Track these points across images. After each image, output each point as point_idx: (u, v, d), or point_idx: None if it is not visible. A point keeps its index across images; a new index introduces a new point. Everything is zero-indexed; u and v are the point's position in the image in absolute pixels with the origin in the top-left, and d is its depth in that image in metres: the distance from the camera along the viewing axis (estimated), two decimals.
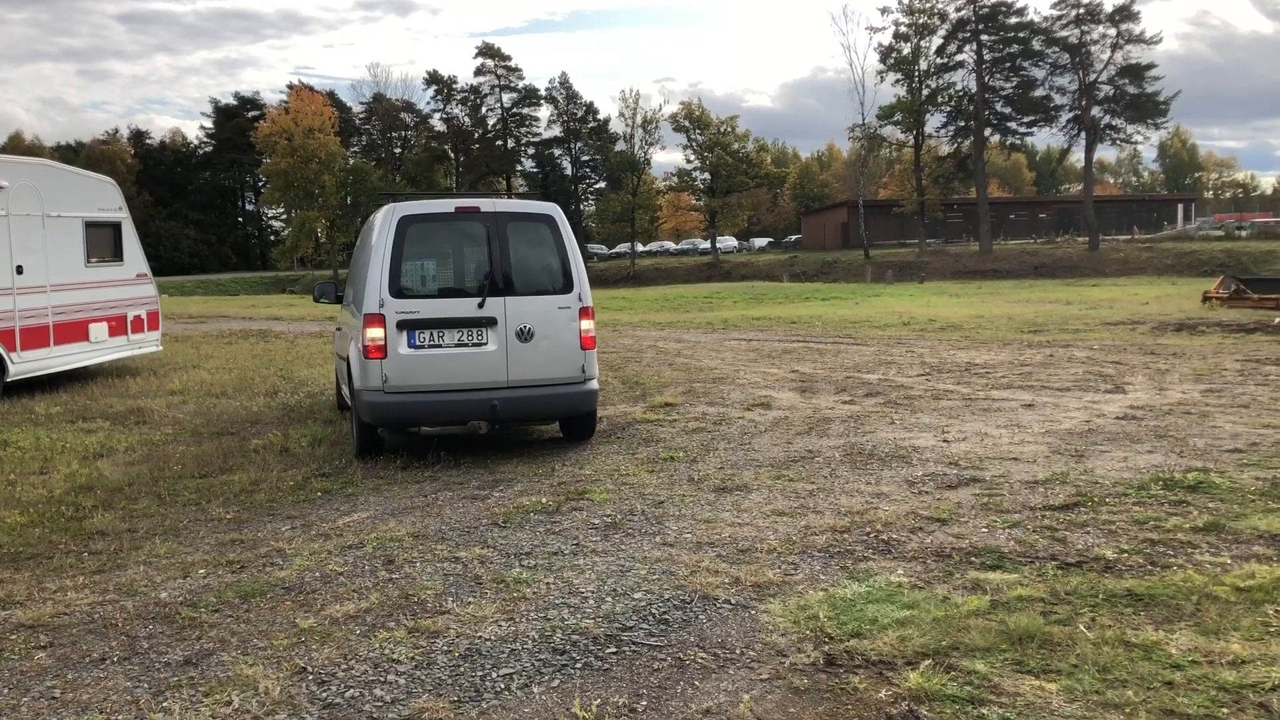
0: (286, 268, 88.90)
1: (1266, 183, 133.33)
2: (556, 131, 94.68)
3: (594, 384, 9.46)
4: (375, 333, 8.75)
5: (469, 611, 5.40)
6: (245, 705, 4.38)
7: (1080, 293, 36.80)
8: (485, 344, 8.98)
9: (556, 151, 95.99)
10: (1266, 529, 6.29)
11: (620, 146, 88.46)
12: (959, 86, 70.05)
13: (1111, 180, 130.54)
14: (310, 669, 4.74)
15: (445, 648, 4.96)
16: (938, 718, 4.05)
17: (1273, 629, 4.80)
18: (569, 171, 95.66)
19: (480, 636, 5.07)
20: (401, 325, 8.79)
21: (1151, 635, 4.76)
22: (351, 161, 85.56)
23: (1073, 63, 65.03)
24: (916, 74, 70.41)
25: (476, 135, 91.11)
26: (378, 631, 5.18)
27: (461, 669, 4.71)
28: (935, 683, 4.31)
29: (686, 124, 78.41)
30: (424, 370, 8.84)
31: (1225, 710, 4.03)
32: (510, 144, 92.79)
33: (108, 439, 10.70)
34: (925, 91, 70.57)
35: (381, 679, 4.63)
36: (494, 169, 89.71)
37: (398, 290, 8.85)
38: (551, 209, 9.63)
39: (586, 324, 9.32)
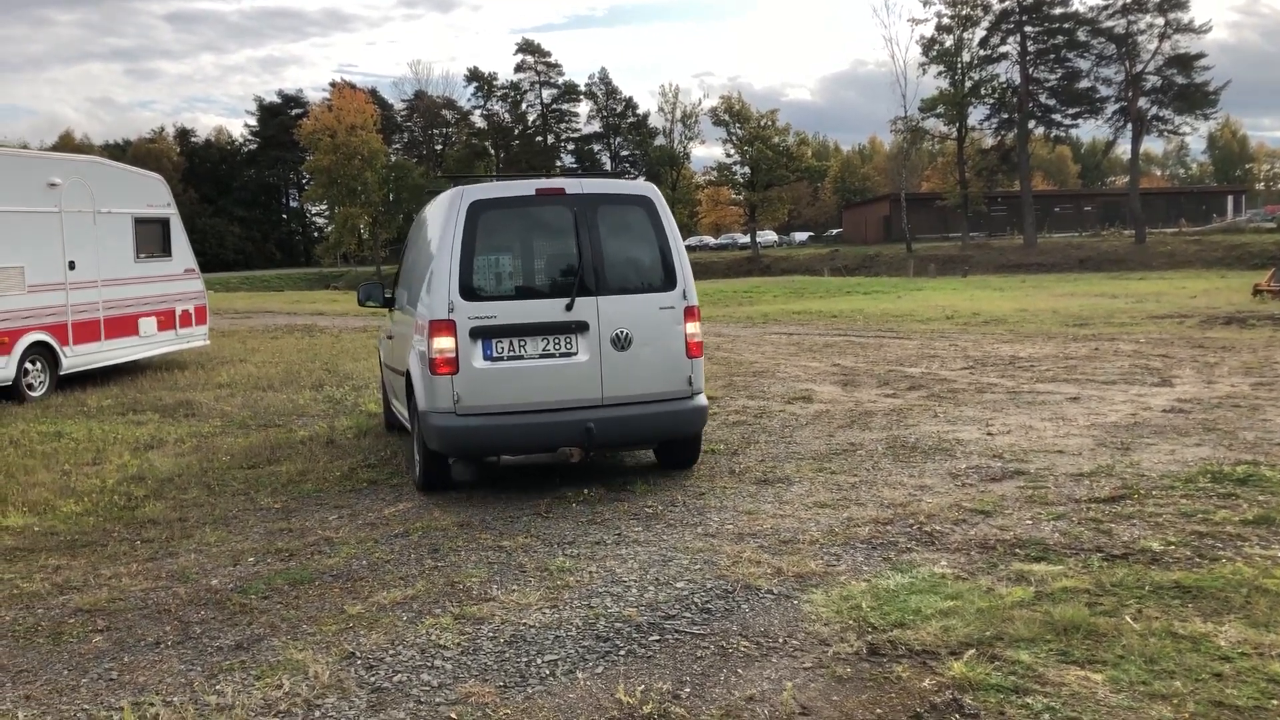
0: (330, 264, 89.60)
1: None
2: (596, 127, 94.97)
3: (703, 399, 7.88)
4: (444, 343, 7.26)
5: (514, 599, 5.46)
6: (295, 689, 4.46)
7: (1126, 286, 36.35)
8: (575, 353, 7.46)
9: (596, 147, 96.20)
10: None
11: (659, 141, 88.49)
12: (1003, 78, 69.25)
13: (1158, 172, 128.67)
14: (359, 654, 4.82)
15: (490, 634, 5.02)
16: (982, 707, 4.05)
17: None
18: (609, 166, 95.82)
19: (525, 623, 5.13)
20: (476, 333, 7.29)
21: (1200, 627, 4.72)
22: (394, 158, 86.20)
23: (1119, 53, 64.10)
24: (959, 66, 69.72)
25: (516, 131, 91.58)
26: (424, 618, 5.25)
27: (507, 655, 4.77)
28: (979, 672, 4.30)
29: (726, 118, 78.19)
30: (503, 387, 7.34)
31: (1276, 702, 4.00)
32: (550, 140, 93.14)
33: (158, 431, 10.89)
34: (968, 84, 69.85)
35: (428, 664, 4.70)
36: (534, 165, 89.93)
37: (470, 291, 7.35)
38: (648, 189, 8.06)
39: (693, 327, 7.76)
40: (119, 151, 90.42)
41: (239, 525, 7.18)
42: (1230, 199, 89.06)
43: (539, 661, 4.68)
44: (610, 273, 7.60)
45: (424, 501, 7.59)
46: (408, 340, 8.18)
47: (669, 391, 7.66)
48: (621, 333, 7.51)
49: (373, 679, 4.56)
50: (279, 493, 8.06)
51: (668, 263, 7.76)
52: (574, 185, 7.78)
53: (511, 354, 7.38)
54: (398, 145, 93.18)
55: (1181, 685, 4.16)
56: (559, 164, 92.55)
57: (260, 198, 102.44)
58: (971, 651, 4.51)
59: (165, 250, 16.19)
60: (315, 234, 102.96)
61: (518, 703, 4.28)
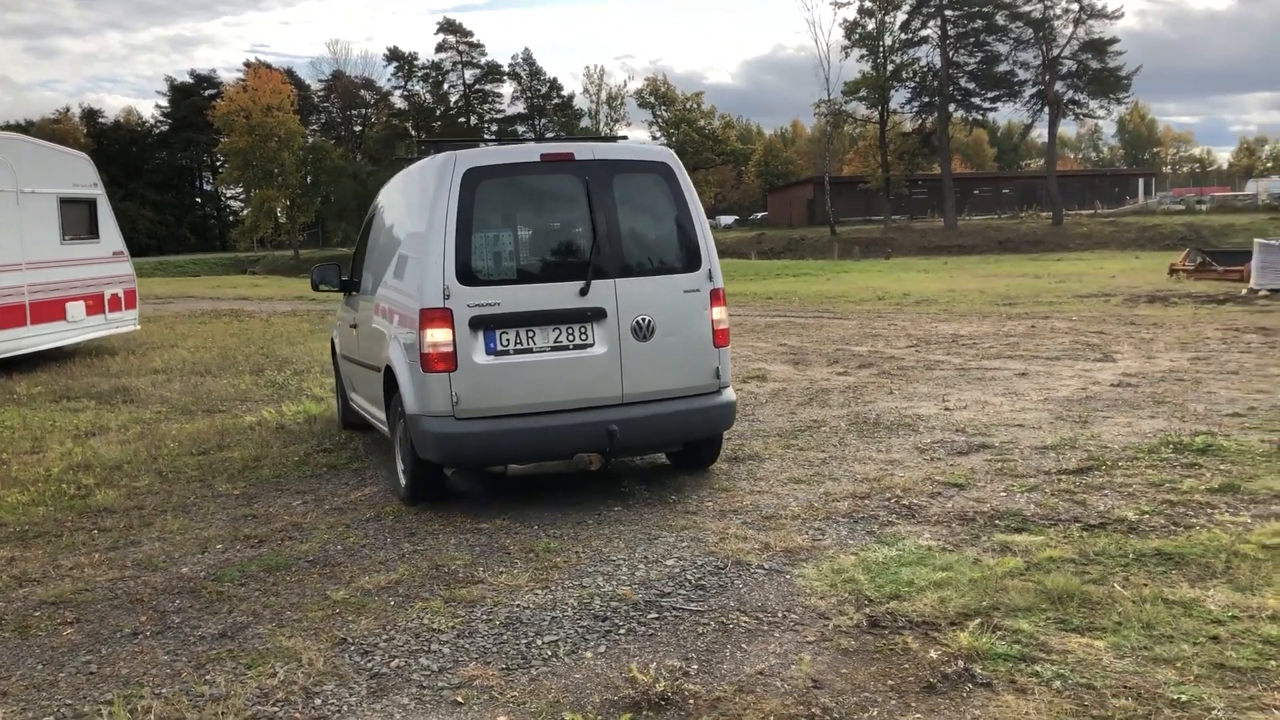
0: (246, 248, 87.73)
1: (1222, 157, 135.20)
2: (520, 108, 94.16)
3: (731, 394, 7.06)
4: (439, 335, 6.23)
5: (503, 581, 5.36)
6: (291, 676, 4.32)
7: (1046, 267, 37.15)
8: (591, 345, 6.50)
9: (521, 129, 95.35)
10: None
11: (585, 123, 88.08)
12: (924, 62, 70.21)
13: (1072, 155, 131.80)
14: (351, 640, 4.69)
15: (484, 616, 4.92)
16: (994, 676, 4.07)
17: None
18: None
19: (518, 605, 5.04)
20: (476, 323, 6.28)
21: (1188, 592, 4.81)
22: (311, 140, 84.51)
23: (1036, 37, 65.35)
24: (881, 49, 70.52)
25: (438, 112, 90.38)
26: (413, 602, 5.13)
27: (505, 637, 4.68)
28: (985, 642, 4.32)
29: (652, 100, 78.25)
30: (510, 385, 6.34)
31: (1274, 663, 4.08)
32: (473, 121, 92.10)
33: (97, 418, 10.52)
34: (890, 67, 70.71)
35: (425, 648, 4.58)
36: (456, 145, 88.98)
37: (468, 274, 6.31)
38: (666, 155, 7.07)
39: (719, 312, 6.89)
40: (20, 132, 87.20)
41: (199, 512, 6.95)
42: (1141, 182, 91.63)
43: (539, 643, 4.60)
44: (628, 252, 6.66)
45: (391, 486, 7.43)
46: (379, 331, 7.30)
47: (695, 386, 6.80)
48: (643, 320, 6.58)
49: (369, 665, 4.44)
50: (236, 479, 7.83)
51: (690, 239, 6.86)
52: (583, 150, 6.71)
53: (518, 347, 6.37)
54: (315, 126, 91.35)
55: (1181, 649, 4.22)
56: (483, 144, 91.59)
57: (173, 181, 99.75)
58: (976, 622, 4.54)
59: (93, 232, 15.64)
60: (231, 218, 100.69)
61: (523, 684, 4.20)
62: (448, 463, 6.57)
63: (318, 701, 4.11)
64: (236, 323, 21.60)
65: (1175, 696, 3.83)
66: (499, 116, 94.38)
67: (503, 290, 6.39)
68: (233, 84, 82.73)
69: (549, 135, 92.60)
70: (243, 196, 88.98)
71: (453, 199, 6.31)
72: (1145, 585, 4.93)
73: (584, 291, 6.49)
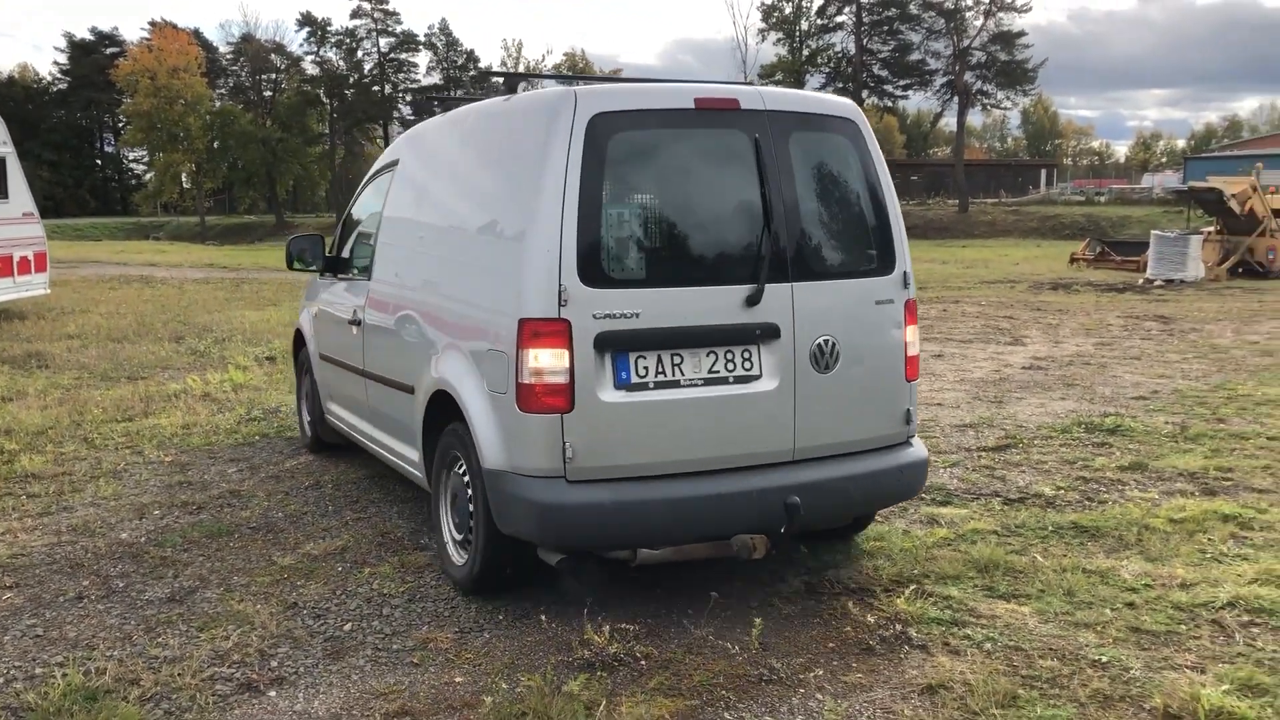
0: (150, 213, 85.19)
1: (1120, 151, 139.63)
2: (436, 79, 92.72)
3: (922, 446, 5.10)
4: (550, 358, 4.24)
5: (335, 449, 5.43)
6: (245, 639, 4.36)
7: (953, 253, 38.04)
8: (758, 376, 4.54)
9: (435, 99, 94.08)
10: (1185, 467, 6.77)
11: None
12: (838, 48, 71.18)
13: (979, 145, 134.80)
14: (302, 604, 4.75)
15: (434, 582, 5.01)
16: (928, 639, 4.31)
17: (1209, 555, 5.22)
18: None
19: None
20: (605, 343, 4.28)
21: (1104, 563, 5.12)
22: (219, 104, 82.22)
23: (947, 28, 66.64)
24: (798, 34, 71.23)
25: (352, 80, 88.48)
26: (362, 568, 5.20)
27: (457, 602, 4.78)
28: (918, 607, 4.56)
29: (570, 74, 77.65)
30: (648, 434, 4.37)
31: (1184, 627, 4.39)
32: (388, 90, 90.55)
33: (12, 383, 10.25)
34: (806, 52, 71.48)
35: (378, 612, 4.67)
36: (370, 115, 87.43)
37: (595, 271, 4.28)
38: (852, 109, 5.01)
39: (912, 333, 4.98)
40: None
41: (131, 479, 6.87)
42: (1044, 172, 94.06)
43: (490, 607, 4.70)
44: (810, 244, 4.70)
45: (328, 454, 7.42)
46: (416, 338, 5.28)
47: (882, 436, 4.89)
48: (825, 343, 4.62)
49: (323, 628, 4.50)
50: (166, 446, 7.74)
51: (884, 228, 4.91)
52: (750, 97, 4.68)
53: (661, 378, 4.38)
54: (223, 90, 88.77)
55: (1100, 614, 4.52)
56: (397, 115, 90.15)
57: (71, 141, 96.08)
58: (910, 589, 4.77)
59: (2, 192, 15.11)
60: (133, 181, 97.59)
61: (477, 647, 4.32)
62: (551, 544, 4.43)
63: (274, 663, 4.17)
64: (149, 289, 21.07)
65: (1096, 657, 4.11)
66: (414, 86, 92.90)
67: (643, 295, 4.33)
68: (136, 43, 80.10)
69: None
70: (146, 160, 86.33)
71: (573, 158, 4.26)
72: (1064, 555, 5.23)
73: (754, 300, 4.47)
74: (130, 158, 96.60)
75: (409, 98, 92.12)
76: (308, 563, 5.26)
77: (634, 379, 4.34)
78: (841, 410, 4.72)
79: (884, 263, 4.90)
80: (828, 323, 4.66)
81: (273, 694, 3.93)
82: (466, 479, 4.73)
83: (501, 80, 5.09)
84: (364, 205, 6.72)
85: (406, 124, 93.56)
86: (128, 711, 3.72)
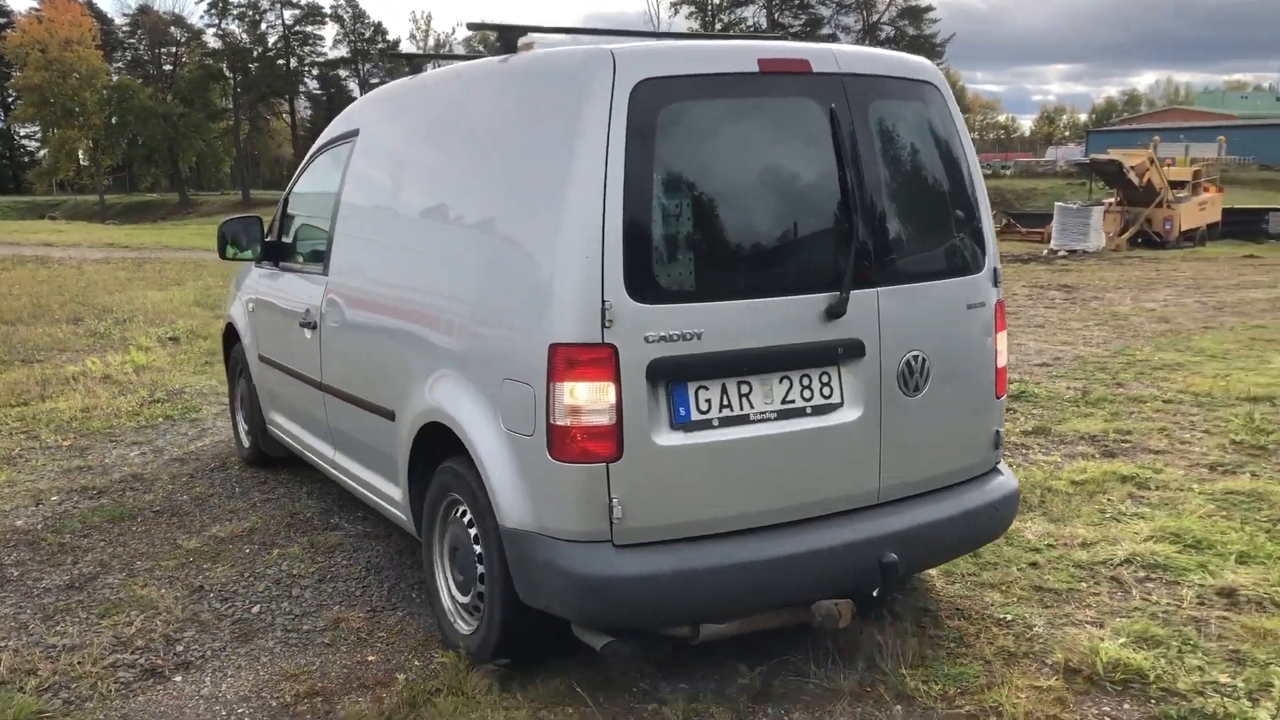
0: (44, 192, 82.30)
1: (1025, 125, 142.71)
2: (343, 52, 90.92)
3: (1010, 474, 4.27)
4: (591, 392, 3.32)
5: (361, 529, 5.37)
6: (149, 625, 4.26)
7: None
8: (838, 405, 3.68)
9: (343, 73, 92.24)
10: (1086, 430, 6.97)
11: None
12: (750, 22, 71.46)
13: None
14: (209, 587, 4.65)
15: (345, 562, 4.94)
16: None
17: (1108, 515, 5.38)
18: (357, 94, 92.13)
19: (380, 550, 5.07)
20: (660, 372, 3.37)
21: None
22: (116, 78, 79.56)
23: (857, 2, 67.43)
24: (709, 8, 71.34)
25: (255, 54, 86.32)
26: (270, 549, 5.10)
27: (369, 581, 4.72)
28: None
29: (481, 48, 76.80)
30: (712, 483, 3.48)
31: (1084, 585, 4.53)
32: (292, 64, 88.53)
33: None
34: (718, 25, 71.62)
35: (287, 594, 4.59)
36: (276, 90, 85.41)
37: (645, 281, 3.34)
38: (931, 71, 4.08)
39: (1002, 340, 4.17)
40: None
41: (27, 464, 6.64)
42: None
43: (402, 585, 4.66)
44: (896, 239, 3.81)
45: (232, 436, 7.25)
46: (395, 352, 4.23)
47: (971, 465, 4.07)
48: (915, 360, 3.77)
49: (230, 611, 4.42)
50: (64, 430, 7.49)
51: (973, 214, 4.04)
52: (822, 57, 3.73)
53: (726, 413, 3.47)
54: (120, 64, 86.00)
55: (1005, 574, 4.63)
56: (303, 88, 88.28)
57: None
58: None
59: None
60: (27, 159, 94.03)
61: (390, 625, 4.27)
62: (596, 622, 3.51)
63: (180, 648, 4.08)
64: (44, 270, 20.33)
65: (1001, 616, 4.21)
66: (320, 60, 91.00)
67: (705, 311, 3.39)
68: (25, 14, 77.04)
69: (373, 80, 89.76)
70: (39, 136, 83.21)
71: (614, 137, 3.28)
72: None
73: (836, 311, 3.56)
74: (22, 134, 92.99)
75: (315, 71, 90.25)
76: (214, 545, 5.14)
77: (695, 415, 3.40)
78: (931, 440, 3.86)
79: (974, 258, 4.01)
80: (917, 335, 3.77)
81: (178, 679, 3.84)
82: (473, 531, 3.77)
83: (495, 37, 3.99)
84: (313, 182, 5.65)
85: (314, 99, 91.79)
86: (24, 702, 3.61)
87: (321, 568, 4.87)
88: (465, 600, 3.95)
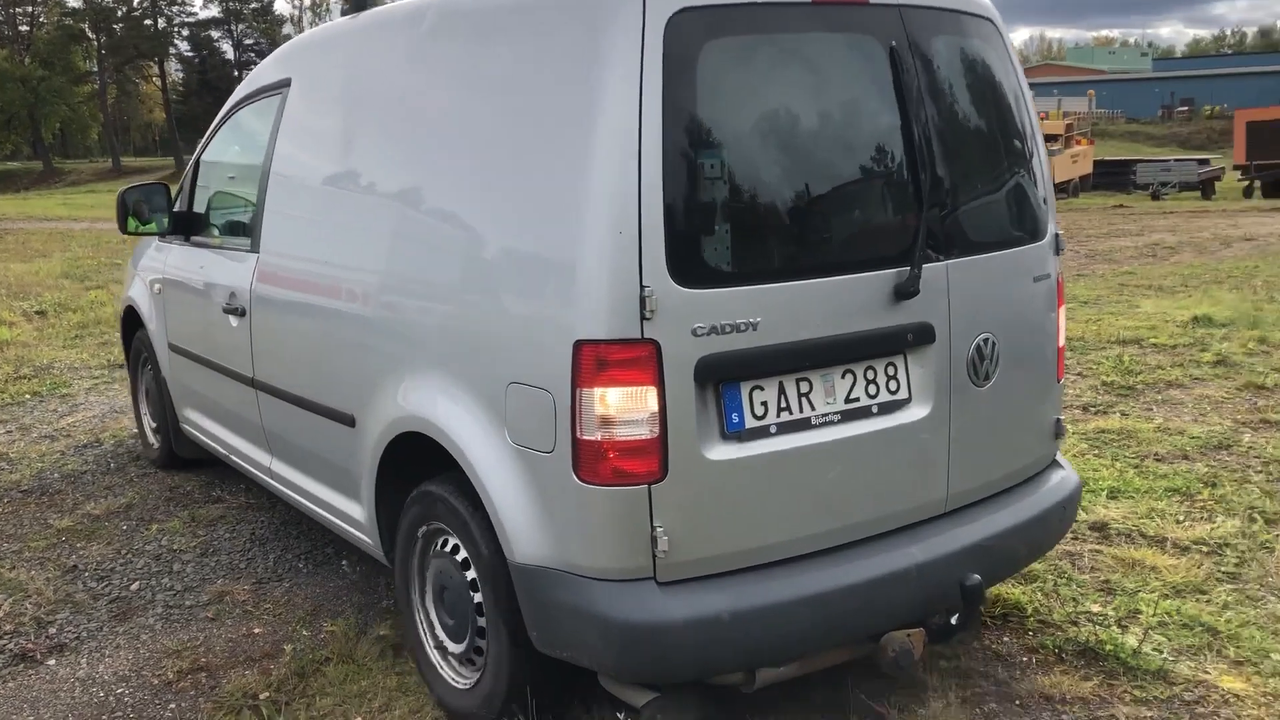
0: None
1: None
2: (214, 12, 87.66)
3: (1070, 467, 3.77)
4: (627, 399, 2.64)
5: (242, 500, 5.23)
6: (18, 608, 4.09)
7: None
8: (906, 401, 3.09)
9: (215, 34, 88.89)
10: None
11: (288, 30, 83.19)
12: None
13: None
14: (83, 567, 4.48)
15: (228, 535, 4.81)
16: None
17: None
18: (231, 56, 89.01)
19: (263, 522, 4.95)
20: (709, 371, 2.70)
21: None
22: None
23: None
24: None
25: (120, 13, 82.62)
26: (149, 525, 4.93)
27: (253, 553, 4.60)
28: None
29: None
30: (774, 500, 2.84)
31: None
32: (161, 24, 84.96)
33: None
34: None
35: (168, 569, 4.45)
36: (143, 52, 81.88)
37: (691, 261, 2.67)
38: (988, 7, 3.45)
39: (1062, 316, 3.65)
40: None
41: None
42: None
43: (289, 556, 4.55)
44: (965, 202, 3.23)
45: (104, 411, 6.99)
46: (348, 338, 3.57)
47: (1035, 461, 3.56)
48: (986, 344, 3.21)
49: (107, 590, 4.27)
50: None
51: (1034, 172, 3.49)
52: None
53: (784, 418, 2.88)
54: None
55: None
56: (174, 50, 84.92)
57: None
58: None
59: None
60: None
61: (277, 597, 4.17)
62: (637, 676, 2.91)
63: (52, 630, 3.93)
64: None
65: None
66: (191, 20, 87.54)
67: (763, 294, 2.77)
68: None
69: (247, 41, 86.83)
70: None
71: (649, 81, 2.62)
72: None
73: (907, 290, 2.97)
74: None
75: (185, 32, 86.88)
76: (88, 524, 4.95)
77: (749, 422, 2.79)
78: (999, 435, 3.35)
79: (1038, 222, 3.47)
80: (987, 315, 3.21)
81: (51, 662, 3.69)
82: (470, 571, 3.09)
83: None
84: (231, 144, 4.96)
85: (186, 62, 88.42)
86: None
87: (204, 541, 4.73)
88: (458, 649, 3.24)
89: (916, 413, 3.07)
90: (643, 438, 2.63)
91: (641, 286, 2.57)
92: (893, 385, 3.04)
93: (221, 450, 4.86)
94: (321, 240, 3.85)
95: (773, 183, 2.85)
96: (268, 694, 3.40)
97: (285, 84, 4.26)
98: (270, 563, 4.49)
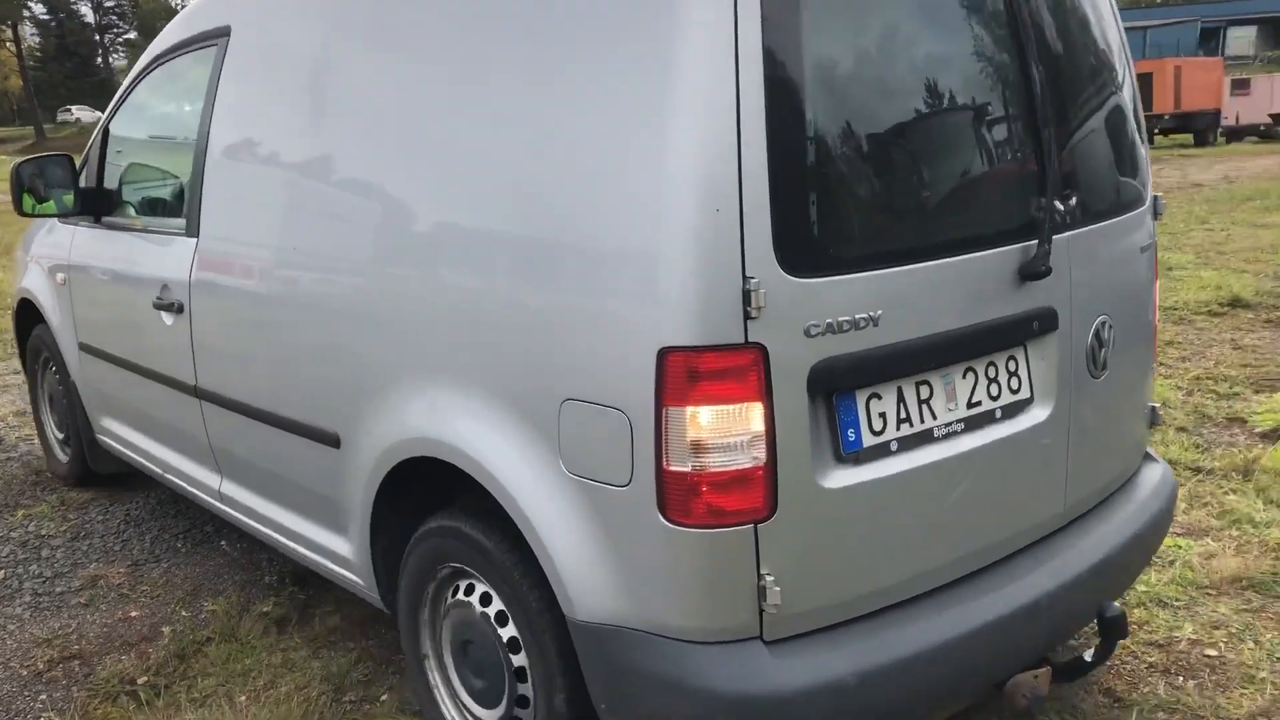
0: None
1: None
2: None
3: (1160, 460, 3.29)
4: (727, 418, 2.07)
5: (118, 484, 5.05)
6: None
7: None
8: (1027, 402, 2.59)
9: None
10: None
11: None
12: None
13: None
14: None
15: (100, 518, 4.65)
16: None
17: None
18: (91, 20, 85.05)
19: (137, 504, 4.80)
20: (824, 378, 2.15)
21: None
22: None
23: None
24: None
25: None
26: (15, 511, 4.75)
27: (128, 535, 4.46)
28: None
29: None
30: (897, 534, 2.33)
31: None
32: None
33: None
34: None
35: (36, 556, 4.29)
36: None
37: (801, 243, 2.09)
38: None
39: (1157, 290, 3.18)
40: None
41: None
42: None
43: (166, 536, 4.43)
44: (1083, 161, 2.77)
45: None
46: (335, 348, 2.90)
47: (1135, 458, 3.13)
48: (1104, 327, 2.76)
49: None
50: None
51: (1135, 129, 3.04)
52: None
53: (906, 432, 2.35)
54: None
55: None
56: (27, 12, 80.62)
57: None
58: None
59: None
60: None
61: (155, 579, 4.06)
62: None
63: None
64: None
65: None
66: None
67: (882, 282, 2.24)
68: None
69: (108, 3, 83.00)
70: None
71: (747, 17, 2.01)
72: None
73: (1034, 270, 2.49)
74: None
75: None
76: None
77: (867, 439, 2.28)
78: (1111, 432, 2.92)
79: (1143, 186, 3.04)
80: (1103, 294, 2.77)
81: None
82: (507, 628, 2.52)
83: None
84: (152, 106, 4.26)
85: (42, 25, 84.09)
86: None
87: (74, 525, 4.56)
88: (489, 717, 2.66)
89: (1038, 414, 2.60)
90: (746, 466, 2.10)
91: (745, 278, 2.02)
92: (1014, 383, 2.57)
93: (154, 468, 4.13)
94: (289, 222, 3.09)
95: (888, 143, 2.31)
96: (146, 678, 3.31)
97: (224, 33, 3.49)
98: (147, 544, 4.36)
